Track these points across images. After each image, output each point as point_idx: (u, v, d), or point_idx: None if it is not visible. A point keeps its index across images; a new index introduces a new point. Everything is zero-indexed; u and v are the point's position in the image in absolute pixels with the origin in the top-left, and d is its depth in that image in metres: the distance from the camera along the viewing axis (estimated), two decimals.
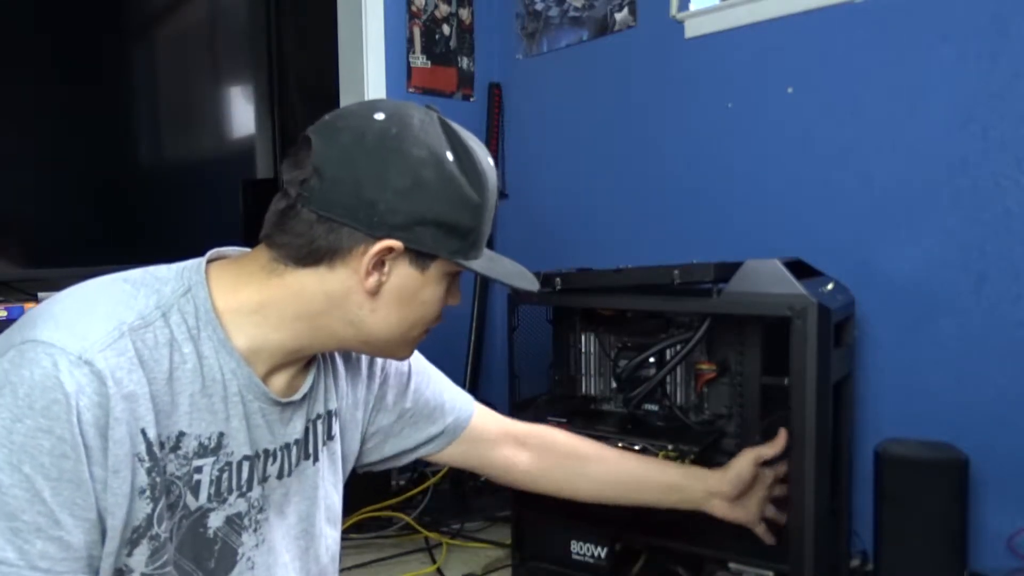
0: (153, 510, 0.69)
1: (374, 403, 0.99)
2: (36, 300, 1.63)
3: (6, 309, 1.62)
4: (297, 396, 0.82)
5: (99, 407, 0.62)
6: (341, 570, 1.53)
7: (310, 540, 0.89)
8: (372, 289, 0.75)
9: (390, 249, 0.73)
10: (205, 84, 2.19)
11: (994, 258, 1.42)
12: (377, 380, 0.99)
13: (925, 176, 1.50)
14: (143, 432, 0.67)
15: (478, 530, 1.73)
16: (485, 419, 1.11)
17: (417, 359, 1.05)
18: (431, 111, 0.77)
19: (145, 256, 1.84)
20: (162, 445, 0.69)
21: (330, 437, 0.90)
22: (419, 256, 0.76)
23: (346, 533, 1.67)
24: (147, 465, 0.67)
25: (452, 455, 1.08)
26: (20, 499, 0.60)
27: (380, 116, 0.74)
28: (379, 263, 0.74)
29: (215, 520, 0.76)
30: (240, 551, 0.78)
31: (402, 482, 1.95)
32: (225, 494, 0.76)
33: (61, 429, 0.61)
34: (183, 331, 0.70)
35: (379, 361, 0.99)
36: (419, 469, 1.98)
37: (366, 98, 2.09)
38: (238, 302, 0.74)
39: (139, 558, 0.69)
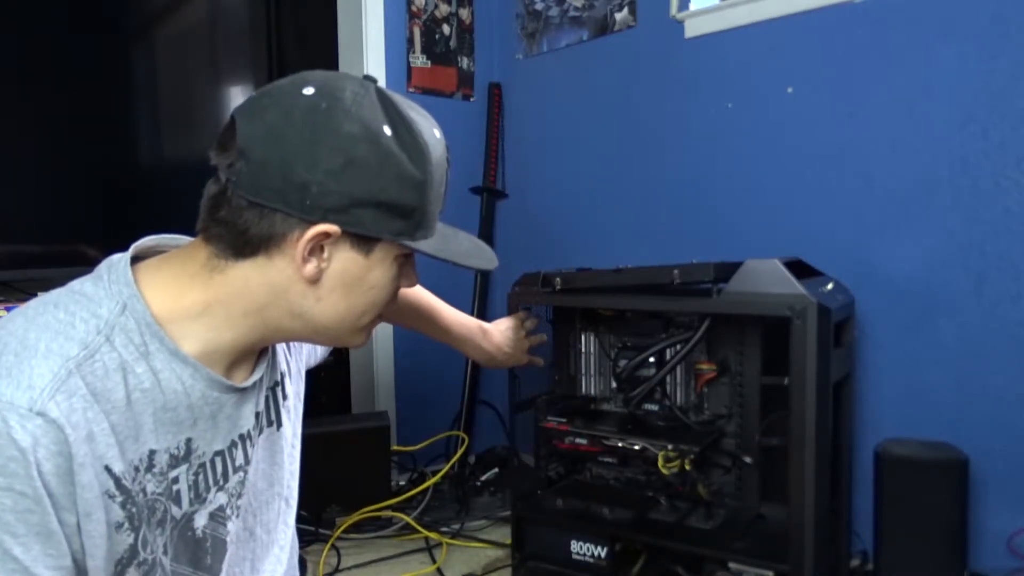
0: (136, 539, 0.68)
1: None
2: None
3: (6, 309, 1.62)
4: (256, 376, 0.81)
5: (60, 455, 0.60)
6: (341, 570, 1.53)
7: (281, 502, 0.89)
8: (312, 277, 0.71)
9: (327, 234, 0.69)
10: (205, 84, 2.19)
11: (994, 258, 1.42)
12: None
13: (925, 176, 1.50)
14: (108, 469, 0.64)
15: (478, 530, 1.73)
16: None
17: None
18: (368, 82, 0.72)
19: None
20: (136, 469, 0.67)
21: (285, 397, 0.90)
22: (361, 239, 0.71)
23: (346, 533, 1.68)
24: (119, 500, 0.66)
25: None
26: None
27: (309, 91, 0.69)
28: (316, 249, 0.70)
29: (200, 520, 0.76)
30: (228, 539, 0.78)
31: (402, 482, 1.95)
32: (204, 493, 0.76)
33: (21, 485, 0.58)
34: (131, 351, 0.66)
35: None
36: (419, 469, 1.98)
37: None
38: (183, 307, 0.70)
39: None
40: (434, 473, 1.89)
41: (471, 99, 2.33)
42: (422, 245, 0.75)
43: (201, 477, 0.75)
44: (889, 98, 1.54)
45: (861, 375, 1.56)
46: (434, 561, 1.57)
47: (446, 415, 2.21)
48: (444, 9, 2.25)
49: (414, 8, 2.18)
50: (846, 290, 1.44)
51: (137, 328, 0.67)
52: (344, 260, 0.72)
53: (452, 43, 2.28)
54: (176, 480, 0.72)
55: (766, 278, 1.19)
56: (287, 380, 0.90)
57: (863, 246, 1.57)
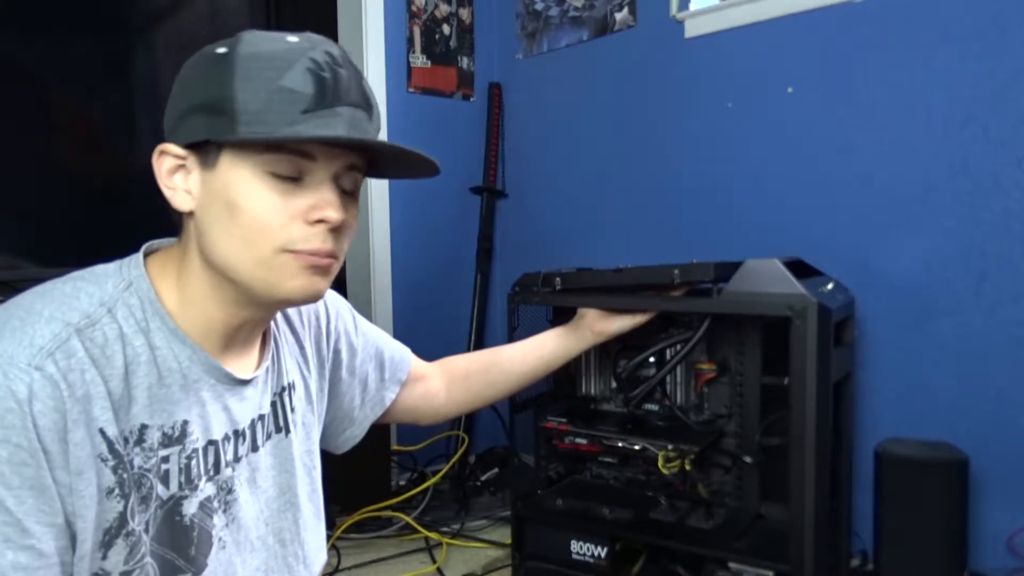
0: (125, 507, 0.68)
1: (331, 367, 0.98)
2: None
3: None
4: (260, 371, 0.81)
5: (55, 411, 0.62)
6: (341, 569, 1.53)
7: (296, 511, 0.88)
8: (184, 207, 0.71)
9: (165, 155, 0.71)
10: None
11: (994, 258, 1.42)
12: (331, 341, 0.98)
13: (925, 176, 1.50)
14: (101, 432, 0.66)
15: (478, 530, 1.73)
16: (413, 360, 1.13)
17: (355, 316, 1.04)
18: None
19: None
20: (125, 440, 0.68)
21: (293, 409, 0.89)
22: (201, 156, 0.70)
23: (346, 533, 1.68)
24: (111, 464, 0.66)
25: (398, 403, 1.09)
26: None
27: None
28: (175, 176, 0.71)
29: (189, 507, 0.75)
30: (213, 533, 0.78)
31: (402, 482, 1.95)
32: (196, 480, 0.75)
33: (17, 437, 0.60)
34: (131, 325, 0.69)
35: (331, 324, 0.98)
36: (419, 469, 1.98)
37: None
38: (172, 287, 0.73)
39: (115, 559, 0.68)
40: (434, 473, 1.89)
41: (471, 99, 2.33)
42: (249, 132, 0.66)
43: (194, 463, 0.75)
44: (889, 98, 1.54)
45: (861, 375, 1.56)
46: (434, 561, 1.57)
47: None
48: (444, 9, 2.25)
49: (414, 8, 2.18)
50: (846, 290, 1.44)
51: (140, 305, 0.70)
52: (200, 185, 0.71)
53: (452, 43, 2.28)
54: (167, 460, 0.72)
55: (766, 278, 1.19)
56: (296, 393, 0.90)
57: (863, 246, 1.57)
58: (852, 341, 1.46)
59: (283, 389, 0.87)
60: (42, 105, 1.79)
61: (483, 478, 1.97)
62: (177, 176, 0.72)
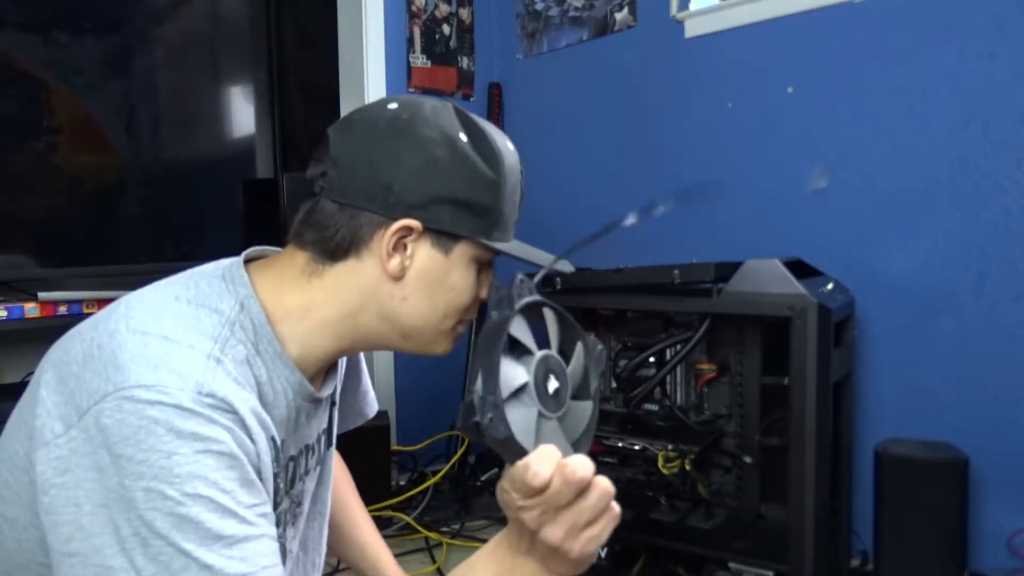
0: (277, 515, 0.71)
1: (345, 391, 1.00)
2: (36, 300, 1.63)
3: (6, 309, 1.62)
4: (329, 389, 0.83)
5: (237, 424, 0.63)
6: (341, 569, 1.53)
7: (322, 521, 0.90)
8: (396, 273, 0.74)
9: (409, 229, 0.73)
10: (205, 84, 2.19)
11: (994, 258, 1.42)
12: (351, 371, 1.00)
13: (925, 176, 1.50)
14: (273, 440, 0.68)
15: (478, 530, 1.73)
16: None
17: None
18: (446, 102, 0.78)
19: (145, 256, 1.84)
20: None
21: (336, 421, 0.92)
22: (441, 237, 0.75)
23: None
24: (276, 470, 0.69)
25: None
26: (215, 519, 0.59)
27: (393, 106, 0.76)
28: (400, 245, 0.74)
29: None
30: (287, 545, 0.80)
31: (402, 482, 1.95)
32: (279, 495, 0.77)
33: (217, 446, 0.61)
34: (250, 347, 0.70)
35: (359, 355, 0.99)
36: (419, 469, 1.98)
37: (366, 98, 2.10)
38: (285, 310, 0.73)
39: None
40: (434, 473, 1.89)
41: (471, 99, 2.33)
42: (499, 245, 0.77)
43: (281, 476, 0.76)
44: (889, 98, 1.54)
45: (861, 375, 1.56)
46: (434, 561, 1.57)
47: (446, 415, 2.21)
48: (444, 9, 2.25)
49: (414, 8, 2.18)
50: (846, 290, 1.44)
51: (252, 327, 0.71)
52: (426, 258, 0.75)
53: (452, 43, 2.28)
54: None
55: (766, 278, 1.20)
56: (335, 407, 0.92)
57: (863, 246, 1.57)
58: (852, 341, 1.46)
59: (333, 403, 0.89)
60: (41, 105, 1.79)
61: (483, 478, 1.97)
62: (399, 245, 0.74)
